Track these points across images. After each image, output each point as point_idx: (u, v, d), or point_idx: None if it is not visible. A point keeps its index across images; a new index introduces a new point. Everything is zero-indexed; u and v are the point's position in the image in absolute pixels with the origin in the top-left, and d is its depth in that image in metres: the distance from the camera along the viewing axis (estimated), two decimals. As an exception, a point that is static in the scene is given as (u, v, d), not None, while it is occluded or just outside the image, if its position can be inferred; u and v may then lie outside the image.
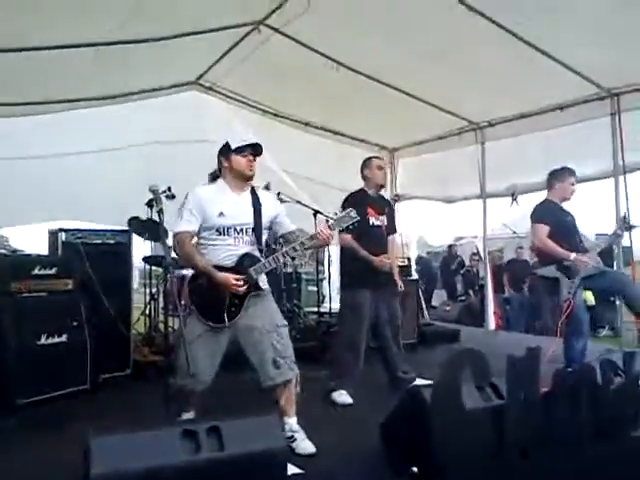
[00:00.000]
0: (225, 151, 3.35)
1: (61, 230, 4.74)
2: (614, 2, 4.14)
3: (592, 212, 9.18)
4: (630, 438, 2.45)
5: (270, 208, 3.44)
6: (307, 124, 7.20)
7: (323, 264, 8.56)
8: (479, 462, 2.16)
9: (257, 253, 3.34)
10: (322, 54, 5.40)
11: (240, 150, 3.31)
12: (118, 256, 4.96)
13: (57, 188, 6.04)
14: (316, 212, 6.22)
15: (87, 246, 4.74)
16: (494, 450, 2.19)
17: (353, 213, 3.34)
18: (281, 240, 3.62)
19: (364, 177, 4.72)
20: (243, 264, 3.25)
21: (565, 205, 5.19)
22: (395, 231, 4.95)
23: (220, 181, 3.39)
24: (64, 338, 4.26)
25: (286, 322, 3.50)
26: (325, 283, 8.27)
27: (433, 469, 2.21)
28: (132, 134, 6.15)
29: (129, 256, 5.03)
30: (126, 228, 5.24)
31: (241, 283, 3.20)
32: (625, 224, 5.14)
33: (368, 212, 4.52)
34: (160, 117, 6.11)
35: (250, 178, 3.38)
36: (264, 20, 4.91)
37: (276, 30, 5.02)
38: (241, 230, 3.30)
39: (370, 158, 4.80)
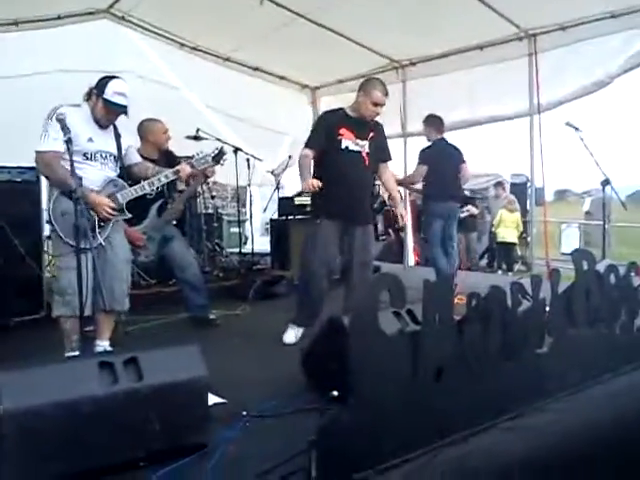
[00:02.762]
0: (99, 88, 3.32)
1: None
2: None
3: (507, 152, 9.52)
4: (535, 355, 2.59)
5: (126, 139, 3.60)
6: (227, 59, 6.95)
7: (245, 205, 8.48)
8: (396, 384, 2.22)
9: (120, 180, 3.46)
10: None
11: (107, 102, 3.30)
12: (26, 194, 4.66)
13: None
14: (236, 149, 6.16)
15: (-8, 183, 4.45)
16: (410, 373, 2.26)
17: (210, 158, 3.78)
18: (129, 170, 3.66)
19: (357, 100, 4.08)
20: (110, 188, 3.39)
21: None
22: (388, 158, 4.35)
23: (86, 107, 3.39)
24: (-30, 278, 4.06)
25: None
26: (247, 224, 8.21)
27: (351, 393, 2.27)
28: (39, 63, 5.77)
29: (38, 194, 4.73)
30: (34, 165, 4.93)
31: (111, 205, 3.32)
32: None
33: (341, 133, 3.98)
34: (69, 46, 5.79)
35: (107, 126, 3.44)
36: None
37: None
38: (106, 156, 3.41)
39: (374, 86, 4.02)
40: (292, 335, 4.08)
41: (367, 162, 4.09)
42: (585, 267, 2.92)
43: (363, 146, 4.06)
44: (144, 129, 4.54)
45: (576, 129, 4.79)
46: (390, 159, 4.39)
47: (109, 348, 3.42)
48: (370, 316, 2.20)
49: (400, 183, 5.78)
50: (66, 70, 5.82)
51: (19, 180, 4.68)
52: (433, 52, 6.50)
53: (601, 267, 3.09)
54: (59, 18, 5.55)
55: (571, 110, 6.02)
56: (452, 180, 5.81)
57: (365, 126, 4.10)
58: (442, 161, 5.70)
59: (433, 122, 5.84)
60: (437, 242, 5.87)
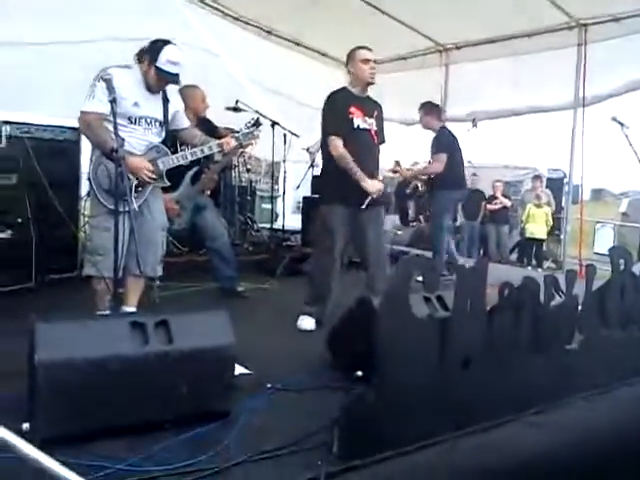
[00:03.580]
0: (152, 54, 3.29)
1: (6, 123, 4.48)
2: None
3: (547, 145, 9.34)
4: (565, 351, 2.56)
5: (175, 104, 3.58)
6: (269, 32, 6.92)
7: (278, 182, 8.48)
8: (422, 369, 2.22)
9: (164, 146, 3.47)
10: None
11: (160, 70, 3.28)
12: (66, 153, 4.74)
13: (4, 77, 5.72)
14: (274, 123, 6.14)
15: (34, 140, 4.53)
16: (437, 359, 2.25)
17: (257, 132, 3.73)
18: (176, 135, 3.70)
19: (348, 72, 4.05)
20: (152, 154, 3.39)
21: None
22: (384, 140, 4.20)
23: (137, 70, 3.37)
24: (7, 234, 4.15)
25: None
26: (279, 201, 8.21)
27: (376, 374, 2.27)
28: (86, 29, 5.81)
29: (78, 154, 4.80)
30: (76, 125, 5.00)
31: (152, 169, 3.33)
32: None
33: (351, 112, 3.88)
34: (113, 15, 5.80)
35: (157, 92, 3.43)
36: None
37: None
38: (151, 122, 3.40)
39: (355, 49, 4.01)
40: (308, 322, 3.93)
41: (376, 140, 4.04)
42: (622, 266, 2.87)
43: (371, 124, 3.99)
44: (183, 95, 4.54)
45: (622, 125, 4.67)
46: (385, 142, 4.23)
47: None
48: (402, 298, 2.19)
49: (425, 173, 5.96)
50: (113, 38, 5.84)
51: (61, 139, 4.76)
52: (478, 37, 6.38)
53: (637, 270, 3.03)
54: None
55: (618, 105, 5.87)
56: (463, 168, 5.85)
57: (371, 104, 4.06)
58: (455, 149, 5.67)
59: (434, 110, 5.79)
60: (449, 230, 5.96)
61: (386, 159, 13.09)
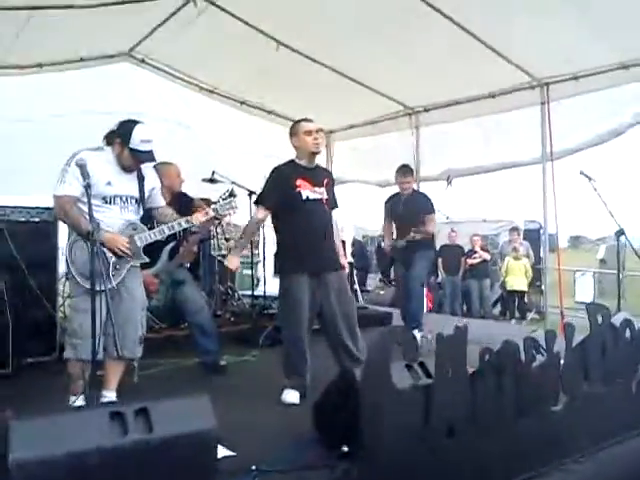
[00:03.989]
0: (123, 136, 3.31)
1: (-20, 207, 4.51)
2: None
3: (521, 198, 9.53)
4: (551, 412, 2.55)
5: (151, 181, 3.58)
6: (243, 103, 7.08)
7: (258, 247, 8.50)
8: (406, 441, 2.19)
9: (140, 223, 3.47)
10: (259, 30, 5.31)
11: (134, 151, 3.31)
12: (43, 235, 4.70)
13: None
14: (251, 192, 6.20)
15: (10, 223, 4.52)
16: (422, 429, 2.23)
17: (234, 203, 3.72)
18: (150, 213, 3.69)
19: (293, 146, 4.06)
20: (129, 231, 3.39)
21: None
22: (336, 206, 4.23)
23: (109, 152, 3.39)
24: (-17, 321, 4.08)
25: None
26: (260, 266, 8.21)
27: (362, 448, 2.23)
28: (59, 104, 5.93)
29: (55, 235, 4.77)
30: (51, 205, 5.01)
31: (128, 245, 3.32)
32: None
33: (298, 184, 3.91)
34: (90, 88, 5.96)
35: (132, 171, 3.44)
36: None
37: (212, 3, 4.89)
38: (127, 199, 3.40)
39: (296, 122, 4.07)
40: (293, 395, 3.84)
41: (326, 208, 4.06)
42: (600, 321, 2.89)
43: (322, 192, 4.02)
44: (158, 172, 4.60)
45: (589, 179, 4.80)
46: (337, 207, 4.26)
47: (115, 400, 3.35)
48: (382, 371, 2.18)
49: (428, 234, 5.94)
50: (86, 111, 5.94)
51: (37, 220, 4.73)
52: (446, 99, 6.57)
53: (617, 321, 3.05)
54: (82, 60, 5.74)
55: (585, 157, 6.04)
56: None
57: (320, 173, 4.11)
58: None
59: (410, 172, 6.13)
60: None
61: (367, 220, 13.19)
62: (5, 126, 5.65)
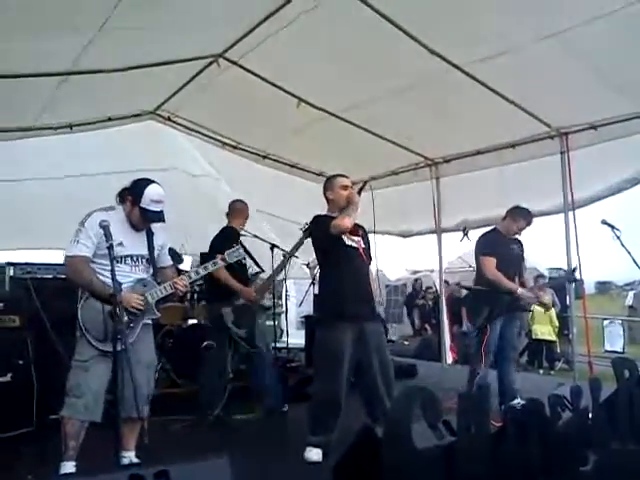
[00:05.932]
0: (135, 195, 3.38)
1: (9, 264, 4.62)
2: (561, 46, 4.28)
3: (544, 246, 9.43)
4: (579, 473, 2.46)
5: (159, 238, 3.60)
6: (265, 157, 7.21)
7: (281, 298, 8.52)
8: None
9: (150, 279, 3.49)
10: (280, 88, 5.43)
11: (144, 211, 3.36)
12: (68, 291, 4.76)
13: (9, 215, 5.96)
14: (273, 246, 6.26)
15: (36, 281, 4.61)
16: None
17: (241, 251, 3.98)
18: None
19: (327, 200, 4.18)
20: (139, 288, 3.40)
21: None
22: (371, 258, 4.29)
23: (120, 211, 3.45)
24: (8, 377, 4.12)
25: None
26: (283, 317, 8.21)
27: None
28: (86, 163, 6.11)
29: (77, 292, 4.86)
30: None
31: (141, 302, 3.31)
32: (571, 275, 5.43)
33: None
34: (115, 146, 6.11)
35: (141, 230, 3.49)
36: (223, 53, 4.91)
37: (234, 63, 5.04)
38: (137, 259, 3.44)
39: (332, 177, 4.22)
40: (316, 453, 3.75)
41: (365, 258, 4.10)
42: (627, 375, 2.81)
43: (358, 242, 4.08)
44: (232, 209, 5.37)
45: (612, 227, 4.73)
46: (372, 260, 4.32)
47: (135, 459, 3.35)
48: (403, 431, 2.14)
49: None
50: (112, 170, 6.10)
51: (62, 277, 4.77)
52: (466, 150, 6.62)
53: (649, 371, 2.96)
54: (109, 120, 5.92)
55: (608, 205, 6.01)
56: None
57: (355, 226, 4.10)
58: None
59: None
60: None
61: (389, 270, 13.10)
62: (37, 184, 5.85)
